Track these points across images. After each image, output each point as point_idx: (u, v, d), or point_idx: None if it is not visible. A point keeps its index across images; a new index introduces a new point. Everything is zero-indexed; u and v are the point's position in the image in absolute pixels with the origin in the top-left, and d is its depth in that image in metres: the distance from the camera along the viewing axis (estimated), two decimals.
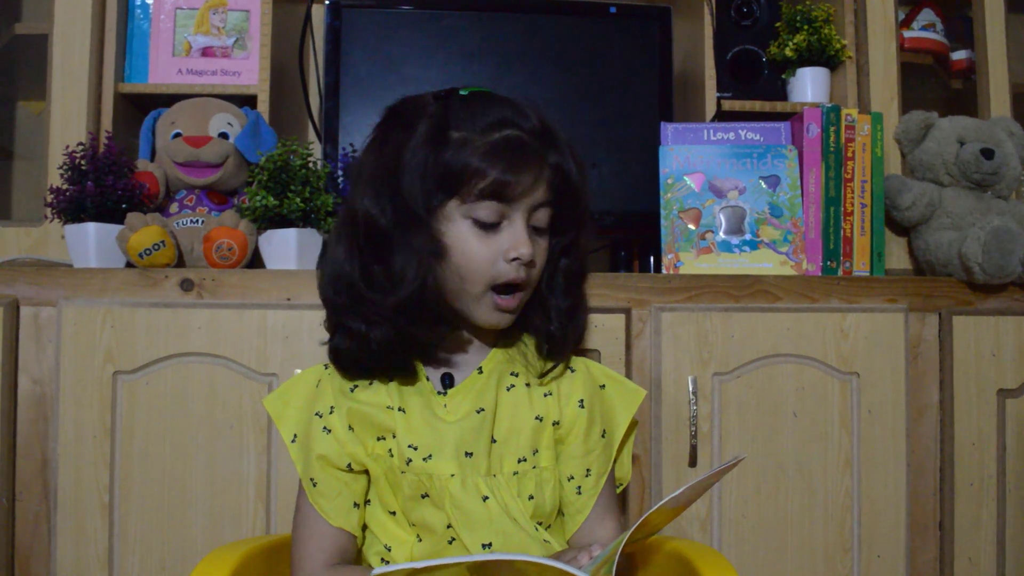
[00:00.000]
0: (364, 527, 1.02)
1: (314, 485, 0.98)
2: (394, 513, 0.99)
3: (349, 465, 0.98)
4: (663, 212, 1.59)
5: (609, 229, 1.77)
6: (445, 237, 0.93)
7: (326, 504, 0.98)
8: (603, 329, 1.43)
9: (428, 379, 1.00)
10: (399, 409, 0.98)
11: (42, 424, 1.39)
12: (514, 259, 0.93)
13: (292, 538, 1.01)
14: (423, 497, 0.96)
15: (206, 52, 1.73)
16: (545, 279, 1.00)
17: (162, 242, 1.42)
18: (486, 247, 0.93)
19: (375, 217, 0.92)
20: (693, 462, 1.43)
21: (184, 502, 1.37)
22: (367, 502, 1.01)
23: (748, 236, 1.58)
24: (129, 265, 1.45)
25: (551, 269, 1.00)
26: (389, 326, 0.93)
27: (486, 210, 0.92)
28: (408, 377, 0.99)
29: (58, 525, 1.36)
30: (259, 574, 0.98)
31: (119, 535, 1.37)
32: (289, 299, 1.41)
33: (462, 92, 0.95)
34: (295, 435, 1.01)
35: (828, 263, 1.61)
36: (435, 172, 0.91)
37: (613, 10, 1.78)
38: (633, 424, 1.08)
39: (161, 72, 1.72)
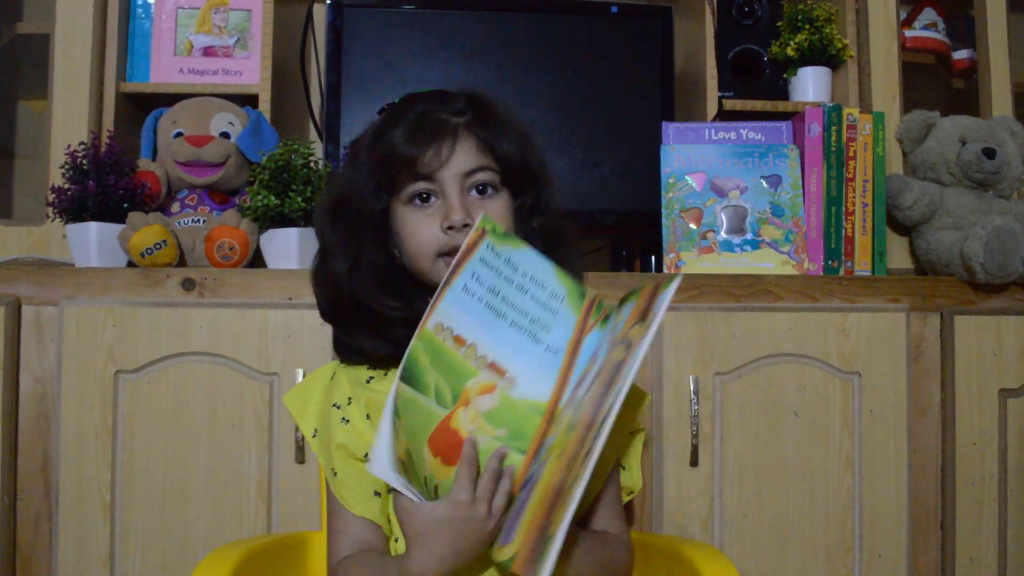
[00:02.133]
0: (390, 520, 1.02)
1: (335, 475, 0.99)
2: None
3: (367, 455, 0.98)
4: (664, 211, 1.59)
5: (610, 228, 1.77)
6: (398, 231, 0.99)
7: (347, 493, 0.98)
8: None
9: None
10: None
11: (44, 423, 1.40)
12: (449, 227, 0.96)
13: (326, 532, 1.02)
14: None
15: (207, 51, 1.73)
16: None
17: (163, 241, 1.42)
18: (425, 224, 0.97)
19: (322, 231, 1.01)
20: (694, 461, 1.43)
21: (185, 501, 1.37)
22: (392, 491, 1.01)
23: (749, 235, 1.58)
24: (131, 264, 1.45)
25: (526, 231, 1.02)
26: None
27: (414, 189, 0.97)
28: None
29: (59, 524, 1.37)
30: (260, 574, 0.98)
31: (120, 534, 1.37)
32: (290, 298, 1.41)
33: (396, 100, 1.01)
34: (315, 430, 1.02)
35: (829, 263, 1.61)
36: (372, 172, 0.98)
37: (614, 9, 1.78)
38: (639, 431, 1.07)
39: (162, 71, 1.72)
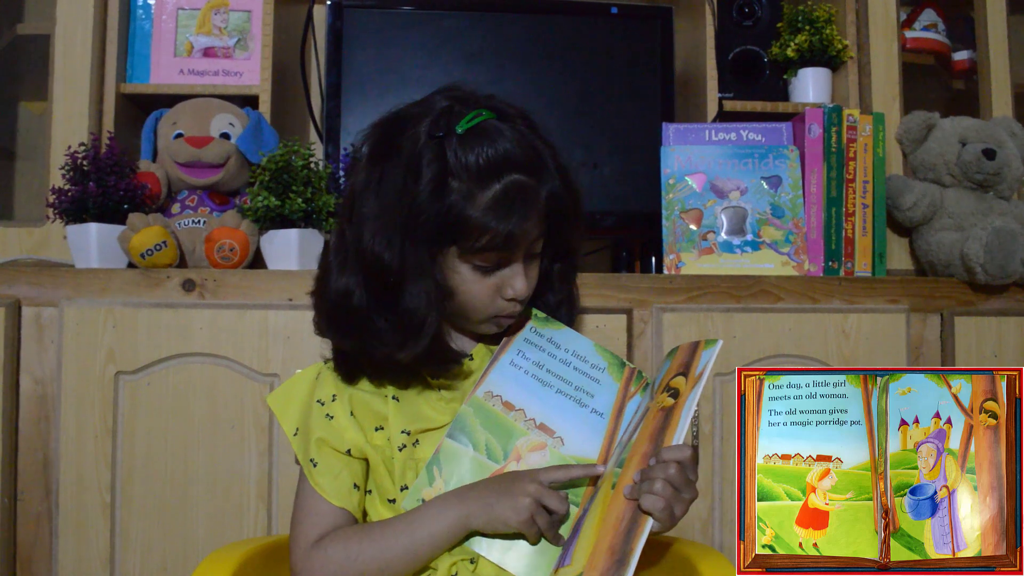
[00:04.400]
0: (366, 516, 1.02)
1: (314, 466, 0.98)
2: (392, 501, 0.99)
3: (348, 451, 0.98)
4: (664, 212, 1.59)
5: (610, 229, 1.77)
6: (448, 280, 0.94)
7: (326, 483, 0.98)
8: (604, 329, 1.43)
9: None
10: (393, 398, 0.99)
11: (44, 424, 1.40)
12: (512, 298, 0.96)
13: (291, 526, 1.01)
14: (402, 490, 0.97)
15: (208, 52, 1.73)
16: (539, 279, 1.03)
17: (164, 242, 1.42)
18: (485, 287, 0.95)
19: (388, 262, 0.91)
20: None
21: (185, 502, 1.37)
22: (368, 492, 1.01)
23: (750, 236, 1.58)
24: (131, 266, 1.45)
25: (544, 268, 1.03)
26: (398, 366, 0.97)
27: (487, 259, 0.94)
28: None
29: (59, 525, 1.37)
30: (260, 574, 0.98)
31: (120, 535, 1.37)
32: (291, 299, 1.41)
33: (458, 129, 0.91)
34: (297, 428, 1.02)
35: (830, 264, 1.61)
36: (437, 223, 0.90)
37: (614, 10, 1.78)
38: None
39: (163, 72, 1.72)
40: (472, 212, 0.90)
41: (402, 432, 0.97)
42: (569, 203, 0.97)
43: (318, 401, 1.00)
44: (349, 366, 1.00)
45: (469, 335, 1.04)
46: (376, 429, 0.98)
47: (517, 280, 0.95)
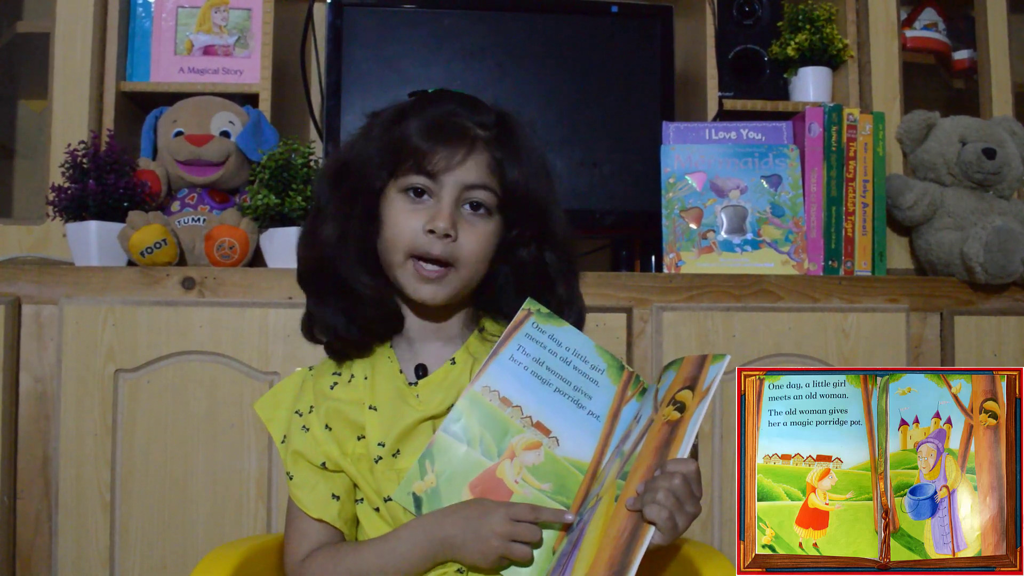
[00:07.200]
0: (358, 525, 1.02)
1: (291, 479, 0.99)
2: (377, 510, 0.99)
3: (324, 464, 0.98)
4: (664, 211, 1.59)
5: (610, 228, 1.77)
6: (383, 213, 0.98)
7: (303, 496, 0.98)
8: (604, 328, 1.43)
9: (401, 371, 1.01)
10: (371, 407, 0.99)
11: (43, 422, 1.40)
12: (430, 231, 0.95)
13: (284, 535, 1.02)
14: (386, 500, 0.97)
15: (208, 51, 1.73)
16: (537, 276, 1.02)
17: (163, 240, 1.42)
18: (410, 218, 0.96)
19: (317, 194, 1.02)
20: None
21: (185, 500, 1.37)
22: (360, 500, 1.01)
23: (749, 235, 1.58)
24: (131, 263, 1.45)
25: (512, 261, 1.02)
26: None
27: (413, 181, 0.96)
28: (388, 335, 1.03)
29: (59, 523, 1.37)
30: (260, 573, 0.98)
31: (120, 533, 1.37)
32: (291, 298, 1.41)
33: (430, 90, 1.01)
34: (284, 436, 1.02)
35: (829, 263, 1.61)
36: (381, 150, 0.97)
37: (615, 9, 1.78)
38: None
39: (163, 71, 1.72)
40: (404, 132, 0.96)
41: (378, 444, 0.97)
42: (522, 187, 0.98)
43: (296, 412, 1.01)
44: (312, 320, 1.02)
45: (413, 309, 1.02)
46: (358, 438, 0.98)
47: (440, 211, 0.95)
